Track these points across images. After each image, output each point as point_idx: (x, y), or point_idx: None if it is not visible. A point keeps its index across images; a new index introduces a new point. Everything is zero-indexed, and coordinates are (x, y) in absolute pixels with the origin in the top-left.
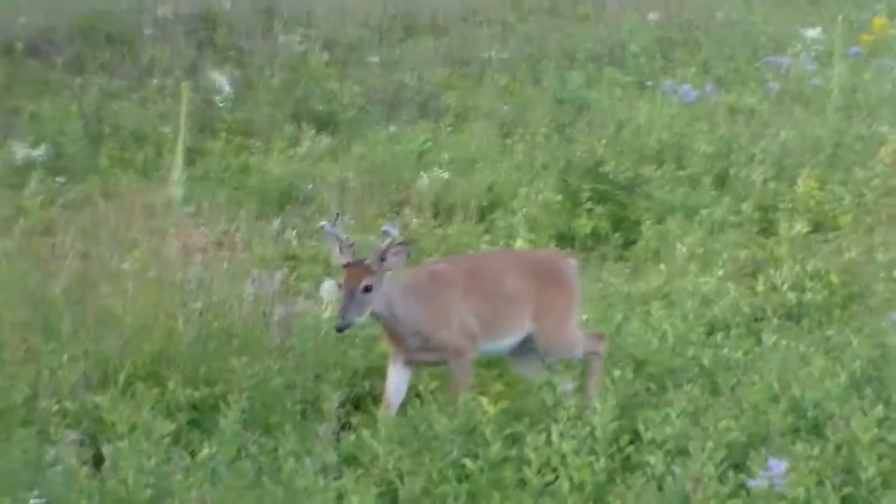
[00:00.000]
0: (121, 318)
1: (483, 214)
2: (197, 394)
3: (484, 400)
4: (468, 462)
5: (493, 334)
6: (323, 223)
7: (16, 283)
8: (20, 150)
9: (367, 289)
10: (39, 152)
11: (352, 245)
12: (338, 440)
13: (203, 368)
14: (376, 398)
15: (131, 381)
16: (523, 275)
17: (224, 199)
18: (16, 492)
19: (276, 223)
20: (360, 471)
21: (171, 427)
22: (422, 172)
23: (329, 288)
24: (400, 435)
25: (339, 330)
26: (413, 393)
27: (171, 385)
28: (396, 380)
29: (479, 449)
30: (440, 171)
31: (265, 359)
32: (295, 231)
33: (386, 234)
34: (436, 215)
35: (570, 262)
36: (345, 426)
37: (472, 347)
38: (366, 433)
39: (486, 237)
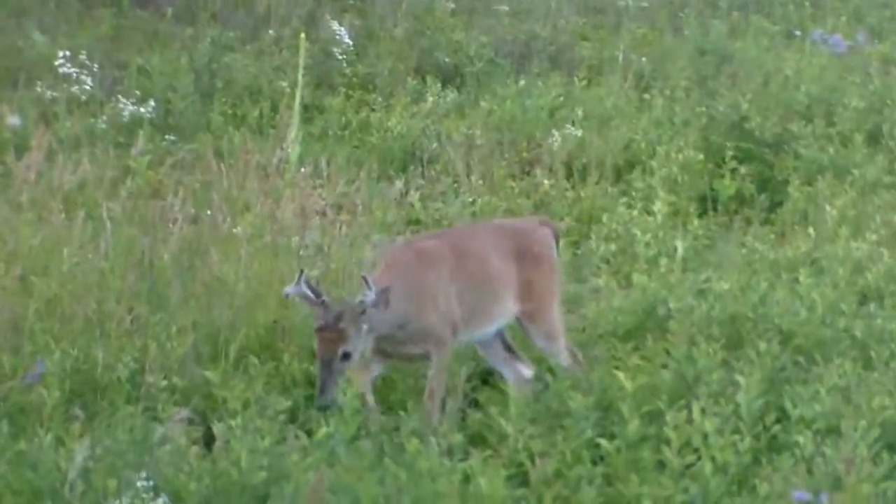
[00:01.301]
0: (233, 287)
1: (619, 175)
2: (314, 368)
3: (620, 375)
4: (604, 442)
5: (476, 322)
6: (286, 289)
7: (122, 249)
8: (127, 107)
9: (346, 356)
10: (147, 109)
11: (323, 303)
12: (464, 418)
13: None
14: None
15: (244, 354)
16: (505, 251)
17: (343, 158)
18: (122, 473)
19: (398, 184)
20: (487, 451)
21: (287, 404)
22: (553, 130)
23: None
24: (531, 412)
25: (322, 410)
26: (545, 367)
27: (286, 358)
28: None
29: (615, 428)
30: (573, 128)
31: None
32: (418, 193)
33: (364, 281)
34: (568, 176)
35: (548, 231)
36: (471, 403)
37: (453, 339)
38: (494, 410)
39: (623, 200)
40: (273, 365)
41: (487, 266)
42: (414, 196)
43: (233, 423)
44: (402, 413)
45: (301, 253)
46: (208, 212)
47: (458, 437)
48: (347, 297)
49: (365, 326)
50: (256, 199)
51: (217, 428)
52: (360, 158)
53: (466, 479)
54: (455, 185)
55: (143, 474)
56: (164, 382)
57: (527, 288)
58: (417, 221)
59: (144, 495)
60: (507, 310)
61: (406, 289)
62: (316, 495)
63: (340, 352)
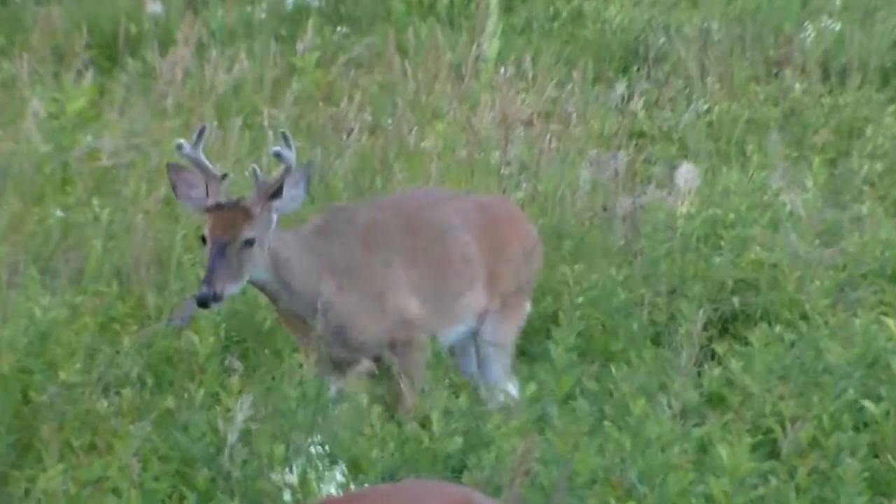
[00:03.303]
0: None
1: (885, 78)
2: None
3: (890, 322)
4: (868, 404)
5: (438, 321)
6: (180, 141)
7: None
8: None
9: (248, 242)
10: None
11: (223, 178)
12: (699, 374)
13: None
14: (749, 318)
15: None
16: (473, 232)
17: (551, 56)
18: (290, 437)
19: (618, 88)
20: (728, 414)
21: None
22: (806, 22)
23: (687, 173)
24: (780, 368)
25: (203, 303)
26: (799, 313)
27: None
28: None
29: (882, 387)
30: (830, 20)
31: (605, 266)
32: (642, 99)
33: (279, 157)
34: (824, 79)
35: (518, 211)
36: (708, 356)
37: (421, 333)
38: (736, 365)
39: (890, 108)
40: None
41: (449, 246)
42: (637, 103)
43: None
44: (624, 366)
45: (502, 170)
46: (389, 120)
47: (692, 397)
48: (256, 169)
49: (275, 214)
50: (448, 105)
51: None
52: (572, 57)
53: (703, 447)
54: (686, 90)
55: (317, 438)
56: None
57: (496, 279)
58: (641, 133)
59: (318, 463)
60: (474, 308)
61: (344, 269)
62: (522, 466)
63: (242, 237)
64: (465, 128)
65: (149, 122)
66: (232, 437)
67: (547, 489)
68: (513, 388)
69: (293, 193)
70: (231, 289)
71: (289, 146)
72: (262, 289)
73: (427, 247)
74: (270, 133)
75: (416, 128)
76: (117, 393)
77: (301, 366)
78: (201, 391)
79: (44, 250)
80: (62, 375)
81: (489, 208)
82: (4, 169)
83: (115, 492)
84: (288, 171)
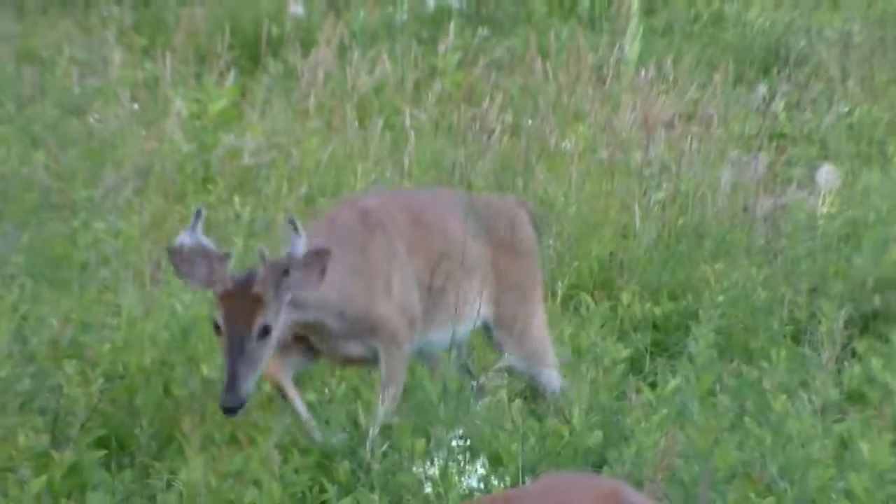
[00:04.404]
0: (561, 212)
1: None
2: (658, 309)
3: None
4: None
5: (435, 320)
6: (178, 241)
7: (427, 164)
8: None
9: (265, 331)
10: None
11: (227, 257)
12: (840, 371)
13: (666, 277)
14: (890, 317)
15: (574, 292)
16: (475, 229)
17: (692, 58)
18: (431, 430)
19: (759, 91)
20: (868, 411)
21: (626, 352)
22: None
23: (827, 174)
24: None
25: (230, 412)
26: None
27: (624, 298)
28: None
29: None
30: None
31: (746, 265)
32: (783, 101)
33: (290, 224)
34: None
35: (526, 214)
36: (849, 354)
37: (410, 335)
38: (876, 363)
39: None
40: (609, 305)
41: (453, 243)
42: (778, 104)
43: (562, 374)
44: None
45: (644, 172)
46: (530, 121)
47: (833, 394)
48: (263, 250)
49: (288, 296)
50: (589, 106)
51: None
52: (713, 59)
53: (843, 444)
54: (828, 92)
55: (457, 432)
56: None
57: (502, 285)
58: (782, 135)
59: (459, 456)
60: (476, 309)
61: (349, 262)
62: (664, 461)
63: (257, 325)
64: (606, 129)
65: (290, 122)
66: (373, 431)
67: (687, 484)
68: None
69: (307, 278)
70: (252, 385)
71: (297, 232)
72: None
73: (430, 240)
74: (412, 133)
75: (557, 129)
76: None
77: None
78: (342, 385)
79: None
80: (204, 370)
81: (491, 207)
82: (147, 167)
83: (256, 484)
84: (291, 258)
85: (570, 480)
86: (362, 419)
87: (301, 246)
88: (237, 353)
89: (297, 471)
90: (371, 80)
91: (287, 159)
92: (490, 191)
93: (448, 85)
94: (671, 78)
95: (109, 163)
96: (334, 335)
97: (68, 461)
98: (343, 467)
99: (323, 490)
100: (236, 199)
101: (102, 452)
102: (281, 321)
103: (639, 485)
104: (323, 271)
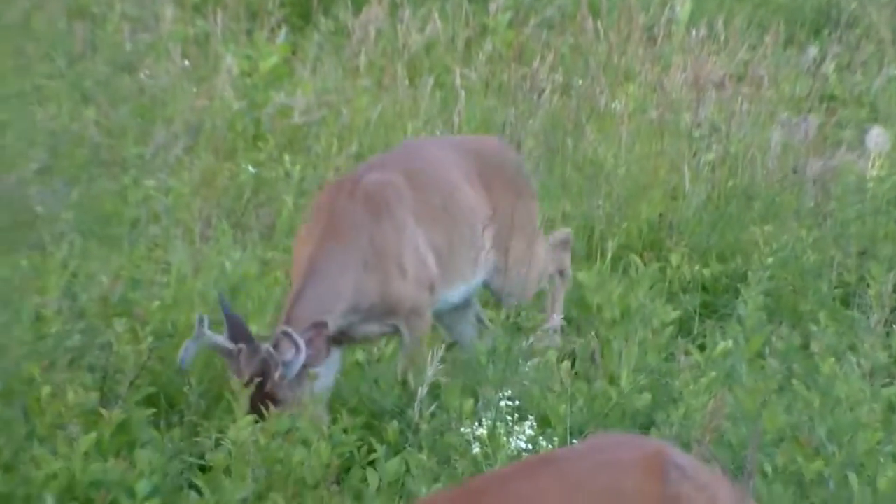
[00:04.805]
0: (611, 172)
1: None
2: (707, 271)
3: None
4: None
5: (451, 277)
6: (183, 349)
7: (477, 124)
8: None
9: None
10: None
11: (240, 352)
12: (888, 334)
13: (715, 238)
14: None
15: (623, 253)
16: (473, 178)
17: (744, 19)
18: (481, 389)
19: (810, 52)
20: None
21: (675, 314)
22: None
23: (877, 136)
24: None
25: None
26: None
27: (673, 259)
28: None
29: None
30: None
31: (796, 228)
32: (835, 63)
33: (287, 338)
34: None
35: (513, 151)
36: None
37: (431, 302)
38: None
39: None
40: (658, 267)
41: (457, 196)
42: (829, 66)
43: (611, 335)
44: (813, 326)
45: (693, 132)
46: (580, 81)
47: (881, 357)
48: (271, 351)
49: (305, 384)
50: (640, 66)
51: (592, 340)
52: (764, 20)
53: (892, 407)
54: (879, 54)
55: (506, 393)
56: None
57: (505, 225)
58: (832, 97)
59: (507, 418)
60: (484, 260)
61: (358, 257)
62: (711, 423)
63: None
64: (657, 89)
65: (340, 80)
66: (422, 391)
67: (735, 447)
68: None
69: (314, 357)
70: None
71: (297, 348)
72: None
73: (434, 202)
74: (462, 93)
75: (607, 89)
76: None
77: None
78: (391, 345)
79: (236, 205)
80: (253, 328)
81: (480, 153)
82: (198, 124)
83: (305, 443)
84: (288, 370)
85: (615, 440)
86: (411, 379)
87: (298, 364)
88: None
89: (345, 431)
90: (422, 39)
91: (337, 117)
92: (540, 152)
93: (499, 44)
94: (722, 38)
95: (160, 120)
96: (351, 322)
97: (117, 419)
98: (391, 427)
99: (371, 450)
100: (286, 157)
101: (151, 410)
102: (300, 390)
103: (686, 447)
104: (327, 345)
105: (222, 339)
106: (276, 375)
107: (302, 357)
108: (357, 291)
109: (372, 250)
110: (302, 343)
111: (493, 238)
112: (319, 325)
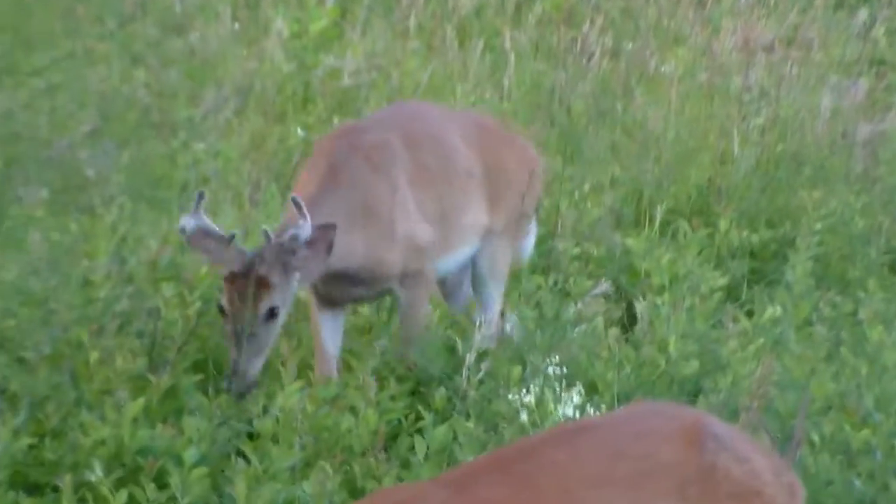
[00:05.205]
0: (660, 136)
1: None
2: (756, 237)
3: None
4: None
5: (445, 242)
6: (181, 222)
7: (527, 87)
8: None
9: (271, 314)
10: None
11: (231, 238)
12: None
13: (764, 203)
14: None
15: (671, 218)
16: (473, 149)
17: None
18: (528, 357)
19: (860, 15)
20: None
21: (723, 280)
22: None
23: None
24: None
25: (239, 397)
26: None
27: (722, 225)
28: (331, 326)
29: None
30: None
31: (845, 193)
32: (884, 27)
33: (295, 205)
34: None
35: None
36: None
37: (432, 267)
38: None
39: None
40: (707, 232)
41: (453, 160)
42: (879, 30)
43: (659, 301)
44: (861, 292)
45: (743, 96)
46: (630, 44)
47: None
48: (268, 231)
49: (297, 274)
50: (689, 29)
51: (640, 307)
52: None
53: None
54: None
55: (554, 359)
56: (577, 250)
57: (495, 199)
58: (882, 61)
59: (555, 384)
60: (481, 225)
61: (350, 212)
62: (759, 390)
63: (264, 308)
64: (706, 53)
65: (390, 43)
66: (470, 357)
67: (783, 414)
68: (500, 319)
69: (313, 255)
70: (259, 367)
71: (302, 214)
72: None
73: (431, 163)
74: (511, 55)
75: (656, 52)
76: (354, 312)
77: None
78: (438, 312)
79: (285, 168)
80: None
81: (486, 127)
82: (247, 87)
83: (352, 410)
84: (296, 239)
85: (653, 409)
86: (459, 346)
87: (306, 229)
88: (241, 336)
89: (393, 398)
90: (471, 2)
91: (387, 80)
92: (589, 115)
93: (548, 7)
94: (772, 2)
95: (210, 82)
96: (349, 281)
97: (165, 385)
98: (439, 394)
99: (419, 417)
100: (336, 119)
101: (199, 377)
102: (290, 300)
103: (734, 414)
104: (330, 247)
105: (216, 227)
106: (283, 242)
107: (308, 226)
108: (345, 245)
109: (363, 207)
110: (307, 212)
111: (488, 207)
112: (328, 227)
